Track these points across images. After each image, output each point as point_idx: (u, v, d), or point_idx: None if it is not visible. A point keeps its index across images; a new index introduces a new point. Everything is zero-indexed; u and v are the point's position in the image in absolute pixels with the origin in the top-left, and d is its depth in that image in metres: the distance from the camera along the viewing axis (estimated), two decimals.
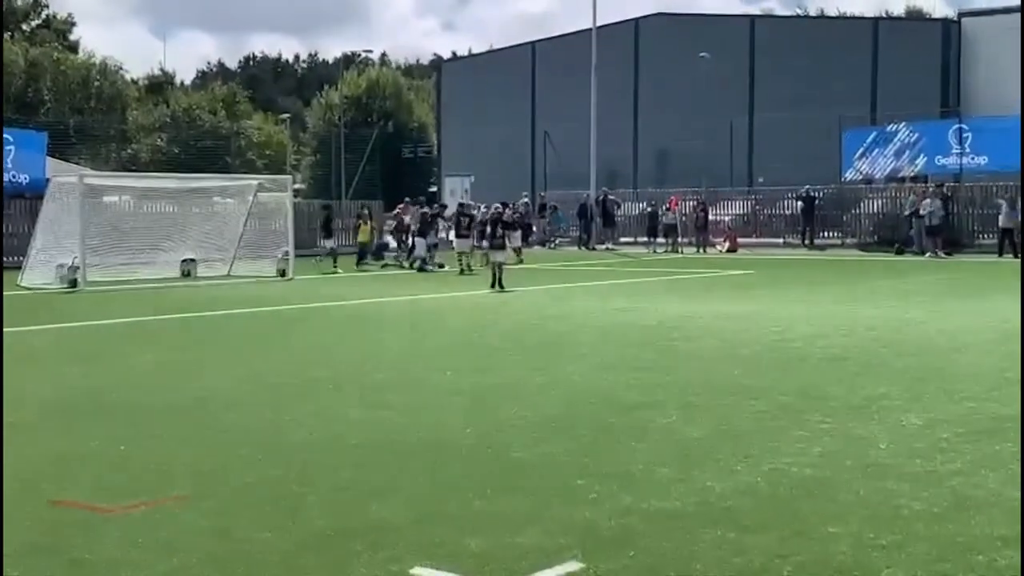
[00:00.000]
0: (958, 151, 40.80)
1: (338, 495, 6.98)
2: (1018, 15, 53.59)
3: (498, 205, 31.03)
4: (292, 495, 6.98)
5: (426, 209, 34.04)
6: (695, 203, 43.84)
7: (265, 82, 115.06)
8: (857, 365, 12.15)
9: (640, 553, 5.73)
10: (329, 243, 33.61)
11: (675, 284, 26.23)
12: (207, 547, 5.92)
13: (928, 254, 35.83)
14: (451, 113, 71.21)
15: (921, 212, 36.85)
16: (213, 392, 11.04)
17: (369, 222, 35.09)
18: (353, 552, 5.81)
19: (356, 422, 9.32)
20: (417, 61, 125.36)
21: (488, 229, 26.25)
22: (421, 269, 31.02)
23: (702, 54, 54.55)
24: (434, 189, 69.77)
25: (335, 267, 31.30)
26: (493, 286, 23.67)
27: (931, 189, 38.45)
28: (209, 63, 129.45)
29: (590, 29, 50.74)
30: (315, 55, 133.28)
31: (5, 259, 28.91)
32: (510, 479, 7.30)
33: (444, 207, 41.37)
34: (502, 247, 25.26)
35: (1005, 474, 7.16)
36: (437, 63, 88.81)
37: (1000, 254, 34.64)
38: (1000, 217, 35.60)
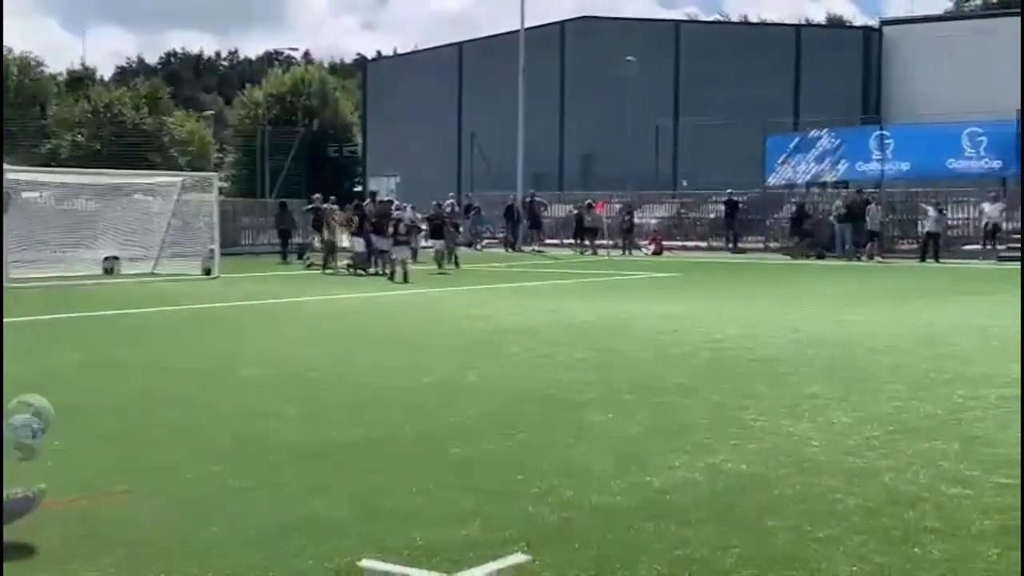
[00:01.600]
0: (879, 157, 41.54)
1: (279, 491, 6.96)
2: (938, 24, 54.77)
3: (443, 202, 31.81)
4: (233, 491, 6.97)
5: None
6: (621, 206, 44.17)
7: (186, 79, 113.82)
8: (785, 365, 12.35)
9: (584, 545, 5.80)
10: (316, 241, 33.00)
11: (602, 286, 26.41)
12: (153, 540, 5.90)
13: (864, 258, 36.52)
14: (377, 113, 70.93)
15: (866, 217, 37.44)
16: (143, 390, 10.94)
17: (334, 220, 33.58)
18: (299, 546, 5.81)
19: (293, 420, 9.30)
20: (340, 60, 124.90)
21: (424, 227, 27.48)
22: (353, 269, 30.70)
23: (628, 58, 54.82)
24: (359, 188, 69.47)
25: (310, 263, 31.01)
26: (392, 278, 26.35)
27: (866, 196, 38.99)
28: (129, 59, 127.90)
29: (516, 31, 50.96)
30: (235, 52, 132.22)
31: None
32: (451, 476, 7.34)
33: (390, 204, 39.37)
34: (407, 243, 28.24)
35: (935, 470, 7.33)
36: (362, 62, 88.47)
37: (923, 259, 35.33)
38: (927, 222, 36.24)
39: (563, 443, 8.32)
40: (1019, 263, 33.24)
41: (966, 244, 37.23)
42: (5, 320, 14.01)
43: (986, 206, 36.53)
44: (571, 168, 62.16)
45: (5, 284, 24.15)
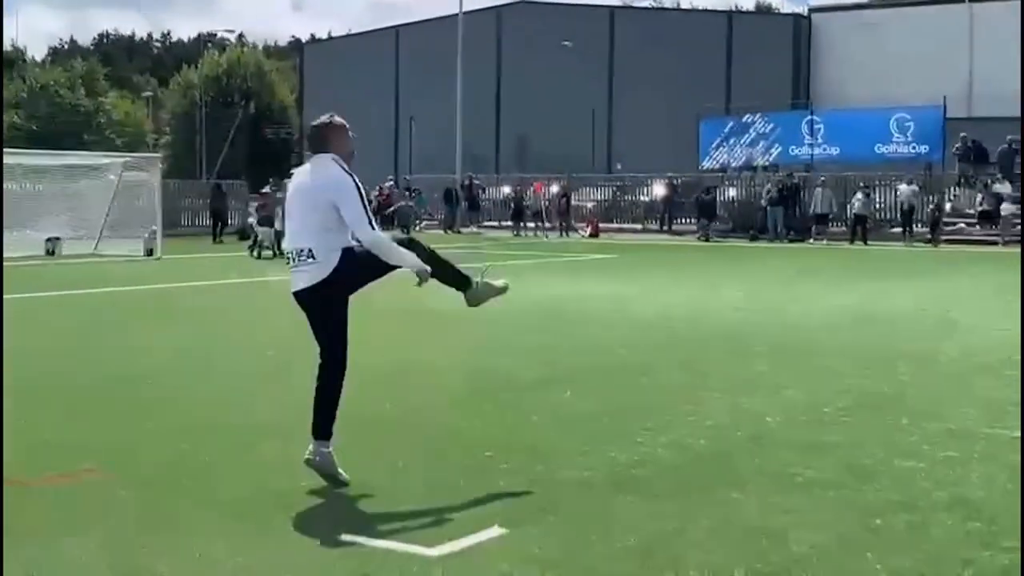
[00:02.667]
0: (810, 142, 42.20)
1: (254, 469, 7.09)
2: (867, 12, 55.53)
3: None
4: (209, 468, 7.08)
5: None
6: (558, 189, 44.48)
7: (119, 60, 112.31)
8: (732, 344, 12.65)
9: (559, 519, 5.99)
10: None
11: (544, 267, 26.65)
12: (136, 515, 6.01)
13: (813, 239, 37.13)
14: (314, 96, 70.66)
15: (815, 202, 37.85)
16: (109, 369, 10.98)
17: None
18: (280, 521, 5.96)
19: (265, 399, 9.41)
20: (275, 43, 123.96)
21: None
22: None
23: (564, 43, 55.16)
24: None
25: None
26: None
27: (820, 180, 39.35)
28: (61, 40, 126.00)
29: (454, 15, 50.98)
30: (168, 35, 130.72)
31: None
32: (419, 453, 7.50)
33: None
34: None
35: (890, 445, 7.61)
36: (299, 46, 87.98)
37: (852, 241, 35.98)
38: (855, 205, 36.87)
39: (526, 421, 8.52)
40: (932, 244, 34.07)
41: (893, 227, 37.95)
42: None
43: (902, 187, 37.29)
44: (507, 151, 62.42)
45: None
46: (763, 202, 39.80)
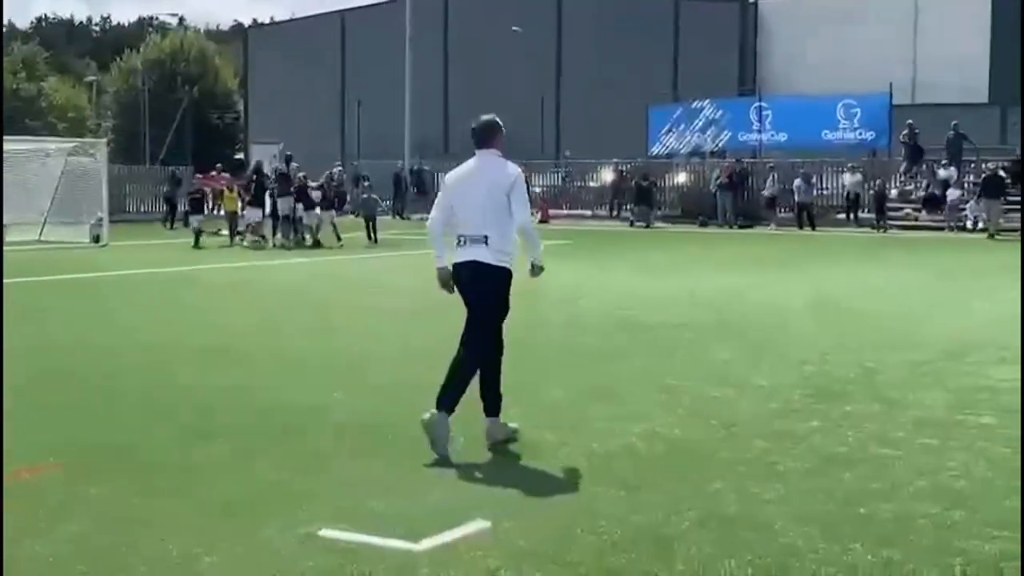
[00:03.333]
0: (758, 128, 42.36)
1: (221, 462, 6.95)
2: None
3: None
4: (175, 463, 6.93)
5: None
6: None
7: (58, 44, 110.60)
8: (694, 331, 12.62)
9: (543, 512, 5.91)
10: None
11: None
12: (105, 512, 5.86)
13: (762, 226, 37.18)
14: (259, 80, 70.04)
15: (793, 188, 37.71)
16: (63, 362, 10.77)
17: (235, 188, 30.74)
18: (257, 516, 5.82)
19: (217, 390, 9.25)
20: (217, 27, 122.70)
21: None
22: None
23: (514, 28, 54.98)
24: (240, 156, 68.48)
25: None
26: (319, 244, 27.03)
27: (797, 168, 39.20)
28: None
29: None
30: (108, 18, 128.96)
31: None
32: (392, 444, 7.39)
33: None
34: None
35: (862, 432, 7.60)
36: (243, 30, 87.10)
37: (800, 226, 36.16)
38: (796, 193, 37.01)
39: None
40: (878, 230, 34.33)
41: (839, 213, 38.13)
42: None
43: (847, 177, 37.52)
44: (456, 137, 62.13)
45: None
46: (712, 188, 39.90)
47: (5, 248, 26.05)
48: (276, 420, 8.08)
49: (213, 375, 9.98)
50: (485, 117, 7.49)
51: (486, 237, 7.23)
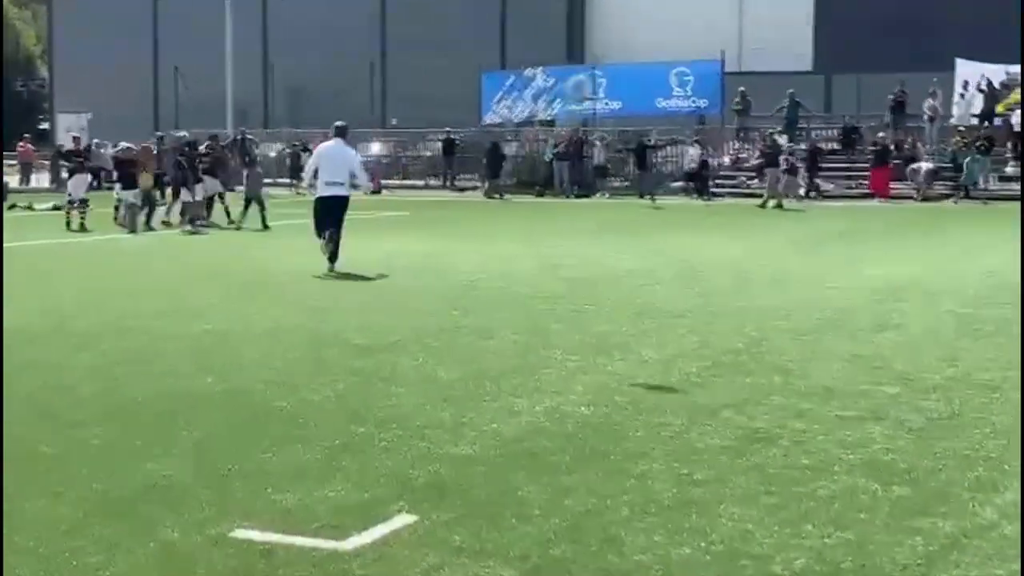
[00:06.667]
0: (592, 97, 42.31)
1: (102, 456, 6.32)
2: None
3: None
4: (50, 457, 6.28)
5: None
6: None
7: None
8: (567, 303, 12.25)
9: (466, 502, 5.50)
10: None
11: None
12: None
13: (598, 195, 37.05)
14: (64, 46, 66.91)
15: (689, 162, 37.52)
16: None
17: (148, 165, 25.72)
18: (155, 516, 5.26)
19: (85, 371, 8.54)
20: None
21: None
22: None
23: None
24: (45, 126, 65.58)
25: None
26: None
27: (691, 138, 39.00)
28: None
29: None
30: None
31: None
32: (282, 429, 6.86)
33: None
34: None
35: (771, 407, 7.37)
36: None
37: (641, 196, 35.97)
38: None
39: (385, 391, 7.93)
40: (701, 198, 34.68)
41: (674, 181, 38.42)
42: None
43: (690, 150, 37.82)
44: (278, 104, 60.75)
45: None
46: (547, 157, 39.77)
47: None
48: (126, 408, 7.46)
49: (55, 356, 9.21)
50: (339, 123, 16.22)
51: (340, 183, 15.33)
